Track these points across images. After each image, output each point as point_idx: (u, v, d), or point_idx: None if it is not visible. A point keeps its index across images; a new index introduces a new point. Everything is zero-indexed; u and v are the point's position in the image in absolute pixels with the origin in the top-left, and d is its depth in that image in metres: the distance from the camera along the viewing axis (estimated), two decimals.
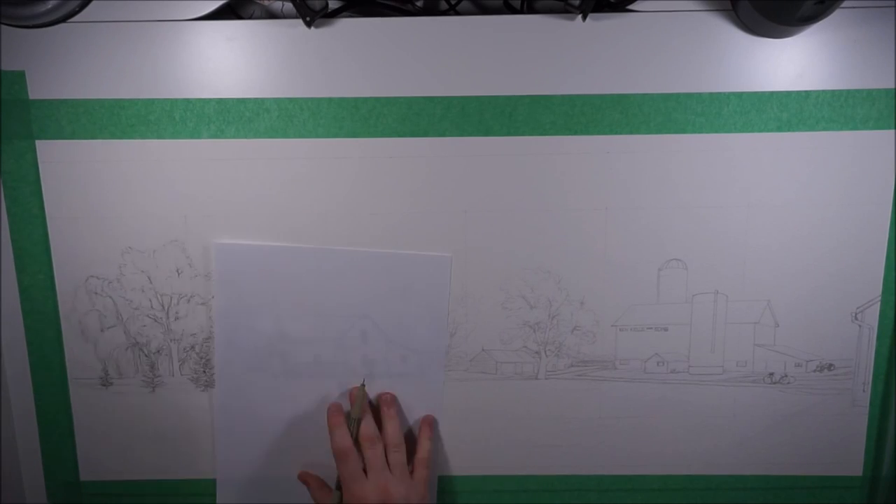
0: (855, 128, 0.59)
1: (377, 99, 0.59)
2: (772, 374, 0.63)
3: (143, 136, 0.59)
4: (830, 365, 0.63)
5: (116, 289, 0.62)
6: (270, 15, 0.60)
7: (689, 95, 0.58)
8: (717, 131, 0.59)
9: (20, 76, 0.58)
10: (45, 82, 0.58)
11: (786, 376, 0.63)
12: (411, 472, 0.61)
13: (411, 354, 0.63)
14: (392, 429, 0.61)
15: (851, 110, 0.58)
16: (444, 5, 0.60)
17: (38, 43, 0.58)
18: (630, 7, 0.57)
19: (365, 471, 0.59)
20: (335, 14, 0.59)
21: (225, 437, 0.64)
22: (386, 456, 0.60)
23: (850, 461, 0.64)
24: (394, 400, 0.63)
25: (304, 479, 0.64)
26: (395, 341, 0.63)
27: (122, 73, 0.58)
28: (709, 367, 0.63)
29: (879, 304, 0.61)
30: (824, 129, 0.59)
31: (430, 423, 0.64)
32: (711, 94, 0.58)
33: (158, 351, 0.64)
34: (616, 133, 0.59)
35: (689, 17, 0.57)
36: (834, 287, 0.61)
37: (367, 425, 0.61)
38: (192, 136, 0.59)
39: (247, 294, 0.62)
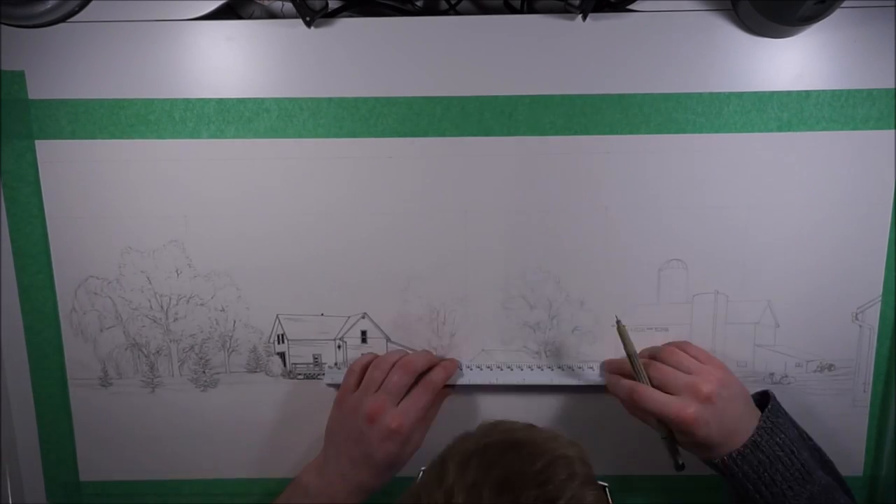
0: (855, 128, 0.59)
1: (377, 99, 0.59)
2: (772, 374, 0.63)
3: (143, 136, 0.59)
4: (831, 365, 0.63)
5: (116, 289, 0.62)
6: (270, 15, 0.60)
7: (689, 95, 0.58)
8: (717, 131, 0.59)
9: (20, 76, 0.58)
10: (45, 82, 0.58)
11: (786, 376, 0.63)
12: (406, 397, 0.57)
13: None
14: (405, 358, 0.59)
15: (851, 110, 0.58)
16: (444, 5, 0.60)
17: (38, 43, 0.58)
18: (630, 7, 0.57)
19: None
20: (335, 14, 0.59)
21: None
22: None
23: (850, 461, 0.64)
24: (454, 369, 0.61)
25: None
26: (396, 341, 0.63)
27: (121, 72, 0.58)
28: None
29: (880, 304, 0.61)
30: (824, 129, 0.59)
31: (454, 365, 0.61)
32: (711, 94, 0.58)
33: (158, 351, 0.63)
34: (616, 133, 0.59)
35: (689, 17, 0.57)
36: (834, 287, 0.61)
37: (391, 354, 0.60)
38: (192, 136, 0.59)
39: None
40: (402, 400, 0.57)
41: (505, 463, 0.38)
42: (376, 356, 0.61)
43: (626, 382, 0.56)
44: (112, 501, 0.66)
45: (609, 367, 0.61)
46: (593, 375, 0.62)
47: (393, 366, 0.58)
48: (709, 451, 0.53)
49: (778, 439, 0.53)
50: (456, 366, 0.61)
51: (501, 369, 0.62)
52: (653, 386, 0.55)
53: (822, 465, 0.56)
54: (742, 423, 0.53)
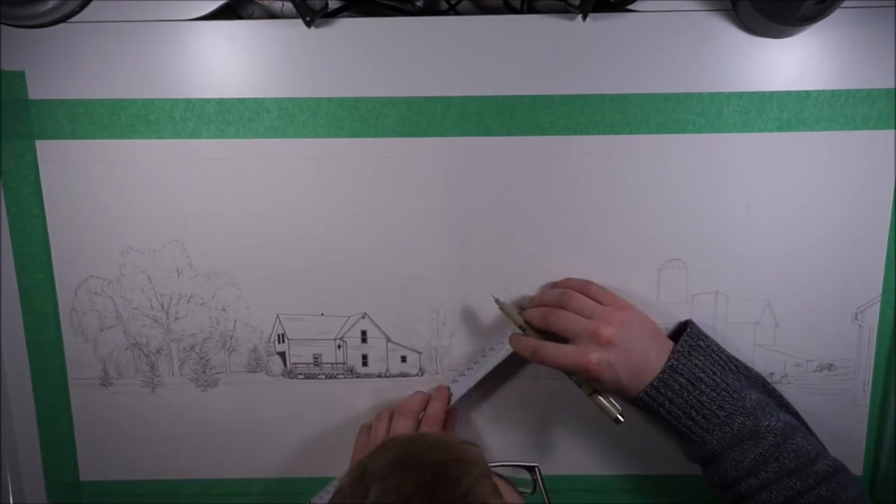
0: (855, 128, 0.59)
1: (377, 99, 0.59)
2: (772, 374, 0.63)
3: (143, 136, 0.59)
4: (830, 365, 0.63)
5: (116, 289, 0.62)
6: (270, 15, 0.60)
7: (689, 95, 0.58)
8: (717, 131, 0.59)
9: (20, 76, 0.58)
10: (45, 82, 0.58)
11: (786, 376, 0.63)
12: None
13: (411, 354, 0.64)
14: (401, 404, 0.59)
15: (851, 110, 0.58)
16: (444, 5, 0.60)
17: (38, 43, 0.58)
18: (630, 7, 0.57)
19: None
20: (335, 14, 0.59)
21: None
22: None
23: (850, 461, 0.64)
24: (446, 393, 0.61)
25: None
26: (396, 341, 0.63)
27: (122, 73, 0.58)
28: None
29: (879, 304, 0.61)
30: (824, 129, 0.59)
31: (444, 390, 0.61)
32: (711, 94, 0.58)
33: (158, 351, 0.63)
34: (616, 133, 0.59)
35: (689, 17, 0.57)
36: (834, 287, 0.61)
37: (383, 410, 0.60)
38: (192, 136, 0.59)
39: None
40: None
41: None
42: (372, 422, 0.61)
43: (529, 342, 0.56)
44: (112, 501, 0.66)
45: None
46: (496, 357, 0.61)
47: (391, 417, 0.59)
48: (625, 392, 0.54)
49: (696, 361, 0.54)
50: (446, 391, 0.61)
51: (479, 361, 0.62)
52: (556, 337, 0.55)
53: (768, 394, 0.57)
54: (652, 357, 0.54)
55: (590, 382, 0.54)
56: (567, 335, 0.54)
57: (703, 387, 0.53)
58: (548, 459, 0.65)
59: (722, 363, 0.56)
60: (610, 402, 0.54)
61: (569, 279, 0.61)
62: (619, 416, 0.53)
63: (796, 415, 0.58)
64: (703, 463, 0.56)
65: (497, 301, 0.59)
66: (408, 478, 0.39)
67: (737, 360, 0.59)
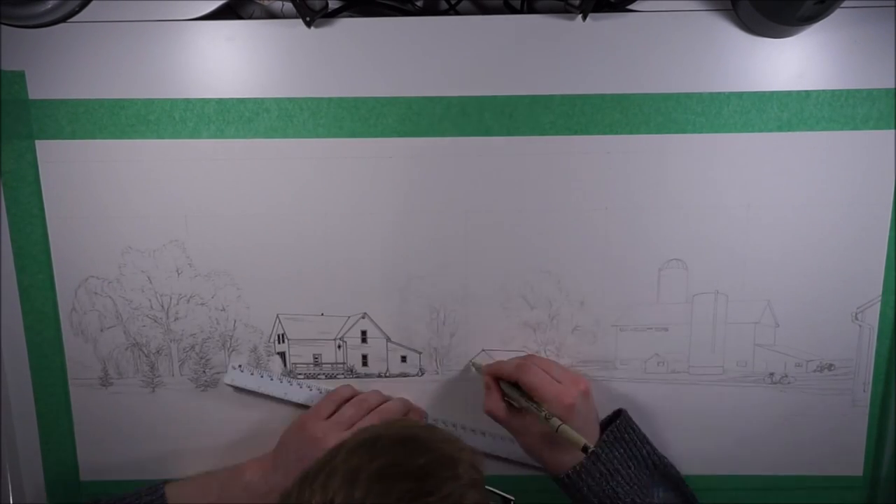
0: (855, 128, 0.59)
1: (377, 99, 0.59)
2: (772, 374, 0.63)
3: (143, 136, 0.59)
4: (830, 365, 0.63)
5: (116, 289, 0.62)
6: (270, 15, 0.60)
7: (689, 95, 0.58)
8: (717, 131, 0.59)
9: (20, 76, 0.58)
10: (45, 82, 0.58)
11: (786, 376, 0.63)
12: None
13: (411, 354, 0.64)
14: (383, 407, 0.60)
15: (851, 110, 0.58)
16: (444, 5, 0.60)
17: (38, 43, 0.58)
18: (630, 7, 0.57)
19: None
20: (335, 14, 0.59)
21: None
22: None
23: (850, 461, 0.64)
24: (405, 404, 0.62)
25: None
26: (396, 341, 0.63)
27: (122, 73, 0.58)
28: (709, 367, 0.63)
29: (879, 304, 0.61)
30: (824, 129, 0.59)
31: (419, 414, 0.63)
32: (711, 94, 0.58)
33: (158, 351, 0.63)
34: (616, 133, 0.59)
35: (689, 17, 0.57)
36: (834, 287, 0.61)
37: (369, 394, 0.61)
38: (192, 136, 0.59)
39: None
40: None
41: (389, 454, 0.39)
42: (356, 393, 0.62)
43: (513, 360, 0.59)
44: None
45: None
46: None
47: (370, 411, 0.59)
48: (554, 468, 0.56)
49: (617, 453, 0.57)
50: (422, 416, 0.63)
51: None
52: (532, 376, 0.56)
53: (678, 491, 0.59)
54: (592, 432, 0.56)
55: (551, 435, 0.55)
56: (535, 390, 0.55)
57: (620, 479, 0.56)
58: None
59: (639, 458, 0.58)
60: (575, 433, 0.54)
61: (531, 356, 0.61)
62: (587, 444, 0.53)
63: None
64: None
65: (473, 365, 0.62)
66: (394, 483, 0.38)
67: (656, 451, 0.59)
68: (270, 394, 0.63)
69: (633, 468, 0.57)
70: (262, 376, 0.63)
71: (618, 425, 0.58)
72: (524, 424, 0.57)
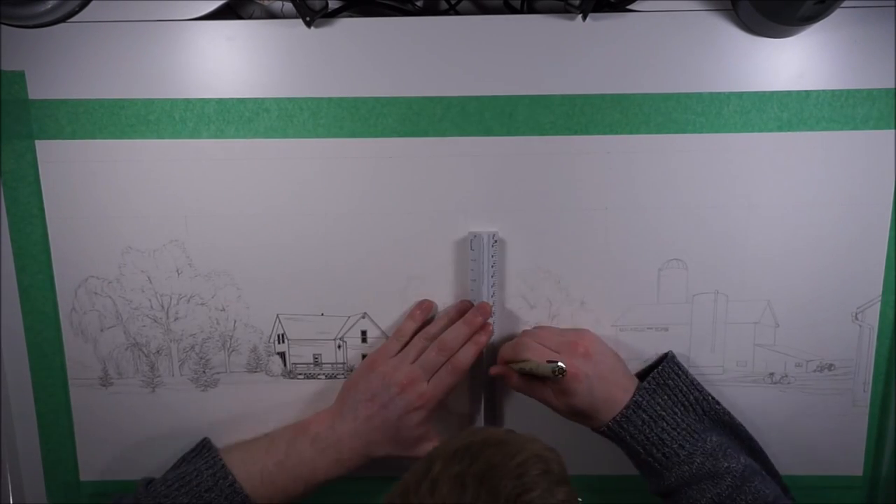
0: (855, 128, 0.59)
1: (377, 99, 0.59)
2: (772, 374, 0.63)
3: (143, 136, 0.59)
4: (830, 365, 0.63)
5: (116, 289, 0.62)
6: (270, 15, 0.60)
7: (689, 95, 0.58)
8: (717, 131, 0.59)
9: (20, 76, 0.58)
10: (45, 82, 0.58)
11: (786, 376, 0.63)
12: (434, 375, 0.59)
13: None
14: (443, 337, 0.59)
15: (851, 110, 0.58)
16: (444, 5, 0.60)
17: (38, 43, 0.58)
18: (630, 7, 0.57)
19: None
20: (335, 14, 0.59)
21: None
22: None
23: (850, 461, 0.64)
24: (477, 314, 0.60)
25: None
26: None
27: (121, 73, 0.58)
28: (709, 367, 0.63)
29: (879, 304, 0.61)
30: (824, 128, 0.59)
31: (488, 331, 0.60)
32: (711, 94, 0.58)
33: (158, 351, 0.63)
34: (616, 133, 0.59)
35: (689, 17, 0.57)
36: (834, 287, 0.61)
37: (436, 327, 0.61)
38: (192, 136, 0.59)
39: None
40: (432, 377, 0.58)
41: (486, 457, 0.41)
42: (417, 326, 0.61)
43: (512, 342, 0.59)
44: (112, 501, 0.66)
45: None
46: None
47: (433, 339, 0.60)
48: (591, 420, 0.56)
49: (660, 400, 0.56)
50: (488, 337, 0.60)
51: None
52: (530, 352, 0.57)
53: (736, 438, 0.58)
54: (619, 389, 0.56)
55: (565, 395, 0.56)
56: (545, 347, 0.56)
57: (665, 425, 0.55)
58: None
59: (686, 404, 0.57)
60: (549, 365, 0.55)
61: (526, 332, 0.61)
62: (555, 367, 0.54)
63: (762, 456, 0.59)
64: (662, 496, 0.57)
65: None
66: (498, 483, 0.39)
67: (709, 396, 0.58)
68: None
69: (679, 414, 0.56)
70: None
71: (661, 371, 0.58)
72: (547, 391, 0.57)
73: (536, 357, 0.56)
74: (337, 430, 0.58)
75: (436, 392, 0.58)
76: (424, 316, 0.62)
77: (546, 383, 0.57)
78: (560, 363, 0.54)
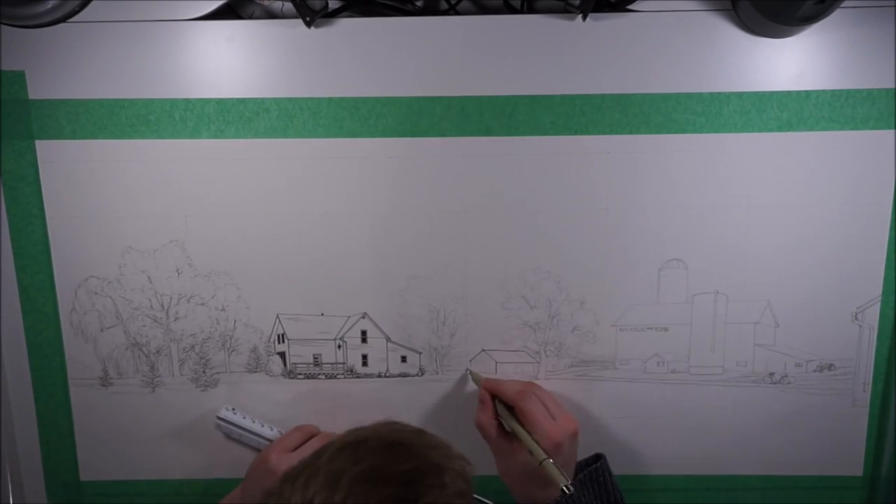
0: (855, 128, 0.59)
1: (377, 99, 0.59)
2: (772, 374, 0.63)
3: (143, 136, 0.59)
4: (830, 365, 0.63)
5: (116, 289, 0.62)
6: (270, 15, 0.60)
7: (689, 95, 0.58)
8: (717, 131, 0.59)
9: (20, 76, 0.58)
10: (45, 82, 0.58)
11: (786, 376, 0.63)
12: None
13: (411, 354, 0.64)
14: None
15: (851, 110, 0.58)
16: (444, 5, 0.60)
17: (38, 43, 0.58)
18: (630, 7, 0.57)
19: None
20: (335, 14, 0.59)
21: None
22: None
23: (850, 461, 0.64)
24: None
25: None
26: (396, 341, 0.63)
27: (122, 73, 0.58)
28: (709, 367, 0.63)
29: (879, 304, 0.61)
30: (824, 128, 0.59)
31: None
32: (711, 94, 0.58)
33: (158, 351, 0.63)
34: (616, 133, 0.59)
35: (689, 17, 0.57)
36: (834, 287, 0.61)
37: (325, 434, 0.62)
38: (192, 136, 0.59)
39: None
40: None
41: (374, 458, 0.38)
42: (317, 432, 0.62)
43: (517, 382, 0.59)
44: (112, 501, 0.66)
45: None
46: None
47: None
48: (543, 488, 0.54)
49: (587, 495, 0.56)
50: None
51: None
52: (521, 417, 0.56)
53: None
54: (570, 474, 0.55)
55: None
56: (529, 420, 0.55)
57: None
58: None
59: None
60: (559, 471, 0.54)
61: (533, 384, 0.61)
62: (567, 486, 0.53)
63: None
64: None
65: (469, 372, 0.62)
66: (377, 487, 0.37)
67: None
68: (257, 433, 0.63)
69: None
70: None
71: (596, 468, 0.58)
72: (510, 448, 0.56)
73: (534, 412, 0.55)
74: None
75: (290, 458, 0.57)
76: (314, 430, 0.62)
77: (516, 450, 0.56)
78: (551, 461, 0.53)
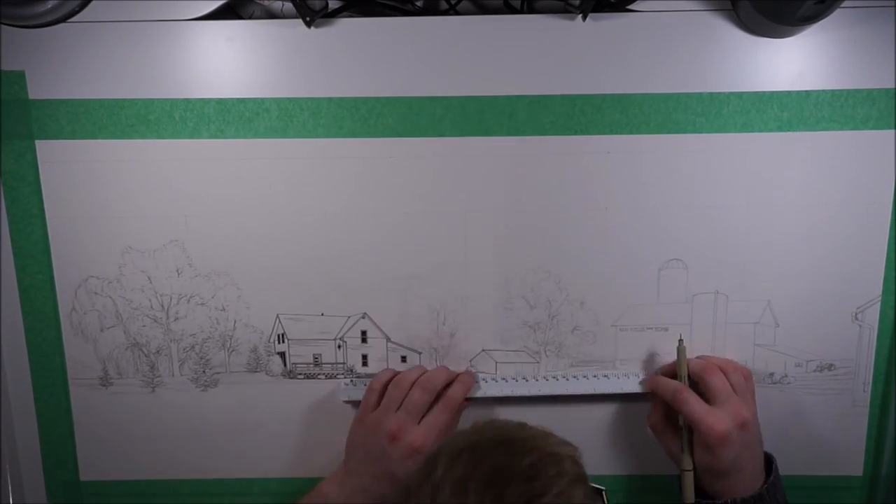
0: (855, 128, 0.59)
1: (377, 99, 0.59)
2: (772, 374, 0.63)
3: (143, 136, 0.59)
4: (830, 365, 0.63)
5: (116, 289, 0.62)
6: (270, 15, 0.60)
7: (689, 95, 0.58)
8: (717, 131, 0.59)
9: (20, 76, 0.58)
10: (45, 82, 0.58)
11: (786, 376, 0.63)
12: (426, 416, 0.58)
13: (411, 354, 0.64)
14: (425, 376, 0.59)
15: (851, 110, 0.58)
16: (444, 5, 0.60)
17: (38, 43, 0.58)
18: (630, 7, 0.57)
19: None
20: (335, 14, 0.59)
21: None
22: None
23: (850, 461, 0.64)
24: (472, 380, 0.61)
25: None
26: (396, 341, 0.63)
27: (122, 73, 0.58)
28: None
29: (880, 304, 0.61)
30: (824, 128, 0.59)
31: (471, 377, 0.61)
32: (711, 94, 0.58)
33: (158, 351, 0.63)
34: (616, 133, 0.59)
35: (689, 17, 0.57)
36: (834, 287, 0.61)
37: (410, 371, 0.61)
38: (191, 136, 0.59)
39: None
40: (423, 417, 0.57)
41: (493, 458, 0.38)
42: (395, 373, 0.61)
43: (672, 383, 0.57)
44: (112, 501, 0.66)
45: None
46: (609, 385, 0.62)
47: (413, 384, 0.59)
48: (719, 480, 0.54)
49: (778, 496, 0.56)
50: (473, 379, 0.61)
51: (517, 380, 0.62)
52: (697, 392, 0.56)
53: None
54: (755, 467, 0.55)
55: (706, 451, 0.54)
56: (713, 395, 0.55)
57: None
58: None
59: None
60: (688, 487, 0.54)
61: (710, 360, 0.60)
62: None
63: None
64: None
65: (681, 342, 0.60)
66: (505, 487, 0.37)
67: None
68: None
69: None
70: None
71: (775, 471, 0.57)
72: (677, 451, 0.57)
73: (689, 410, 0.54)
74: (346, 489, 0.58)
75: (429, 433, 0.56)
76: (393, 372, 0.62)
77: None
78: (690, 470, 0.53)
